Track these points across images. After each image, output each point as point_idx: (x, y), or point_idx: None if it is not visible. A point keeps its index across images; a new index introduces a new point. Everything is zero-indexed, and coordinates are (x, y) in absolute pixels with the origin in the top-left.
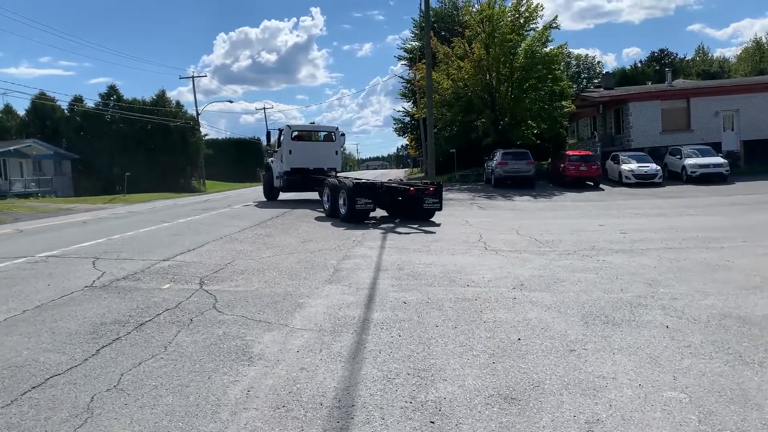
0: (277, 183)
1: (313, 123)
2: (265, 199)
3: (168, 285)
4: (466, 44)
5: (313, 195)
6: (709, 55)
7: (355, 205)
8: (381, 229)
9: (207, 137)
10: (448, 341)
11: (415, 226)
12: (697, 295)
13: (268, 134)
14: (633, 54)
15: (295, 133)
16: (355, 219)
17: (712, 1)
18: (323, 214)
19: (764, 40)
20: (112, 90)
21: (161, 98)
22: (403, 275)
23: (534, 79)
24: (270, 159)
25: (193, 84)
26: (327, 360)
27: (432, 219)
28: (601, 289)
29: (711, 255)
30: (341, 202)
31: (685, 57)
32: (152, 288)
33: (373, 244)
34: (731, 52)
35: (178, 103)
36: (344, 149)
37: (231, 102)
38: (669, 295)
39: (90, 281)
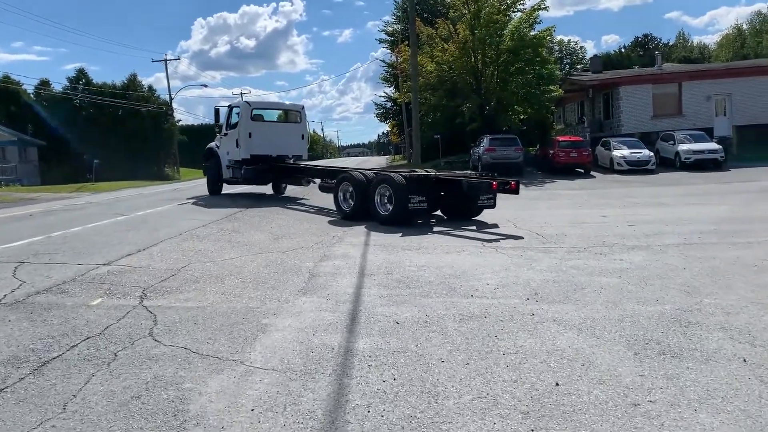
0: (228, 174)
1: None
2: (209, 194)
3: (99, 300)
4: (451, 25)
5: (260, 188)
6: (690, 41)
7: (408, 204)
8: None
9: (181, 123)
10: (461, 388)
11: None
12: (752, 307)
13: (217, 112)
14: (612, 41)
15: (256, 112)
16: (406, 221)
17: None
18: (308, 212)
19: (745, 26)
20: (81, 74)
21: (132, 82)
22: (393, 282)
23: (521, 62)
24: (215, 144)
25: (166, 68)
26: (293, 426)
27: (478, 218)
28: (632, 299)
29: (741, 253)
30: (378, 200)
31: (668, 42)
32: (78, 304)
33: (356, 241)
34: (710, 39)
35: (150, 87)
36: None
37: (206, 86)
38: (720, 309)
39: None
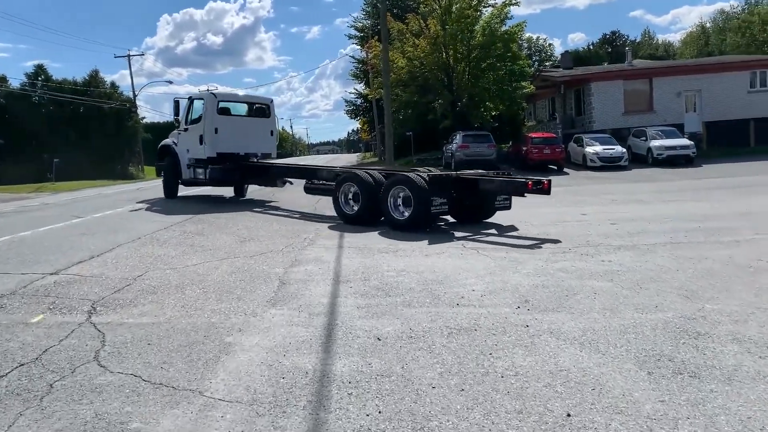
0: (188, 174)
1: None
2: (164, 197)
3: (40, 317)
4: (421, 20)
5: (219, 190)
6: (655, 39)
7: (430, 207)
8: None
9: (146, 121)
10: (458, 423)
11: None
12: (760, 314)
13: (176, 104)
14: (578, 39)
15: (222, 105)
16: (425, 225)
17: None
18: (277, 213)
19: (709, 25)
20: (40, 70)
21: (94, 79)
22: (371, 289)
23: (492, 57)
24: (171, 140)
25: (129, 64)
26: None
27: (490, 219)
28: (629, 305)
29: (732, 252)
30: (392, 203)
31: (635, 40)
32: (14, 323)
33: (329, 243)
34: (674, 37)
35: (113, 83)
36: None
37: (171, 83)
38: (725, 316)
39: None
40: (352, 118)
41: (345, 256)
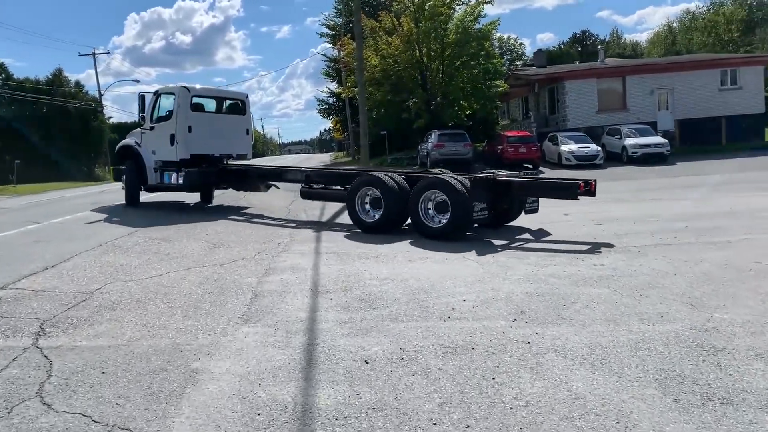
0: (154, 179)
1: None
2: (125, 204)
3: None
4: (394, 18)
5: (180, 195)
6: (623, 38)
7: (472, 213)
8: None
9: (112, 121)
10: None
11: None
12: None
13: (142, 99)
14: (547, 39)
15: (196, 100)
16: (463, 232)
17: None
18: (249, 216)
19: (675, 25)
20: (1, 68)
21: (58, 77)
22: (353, 301)
23: (466, 56)
24: (133, 140)
25: (95, 62)
26: None
27: (513, 222)
28: (633, 315)
29: (727, 254)
30: (423, 208)
31: (605, 39)
32: None
33: (304, 249)
34: (640, 37)
35: (77, 82)
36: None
37: (138, 82)
38: (739, 327)
39: None
40: (324, 118)
41: (323, 263)
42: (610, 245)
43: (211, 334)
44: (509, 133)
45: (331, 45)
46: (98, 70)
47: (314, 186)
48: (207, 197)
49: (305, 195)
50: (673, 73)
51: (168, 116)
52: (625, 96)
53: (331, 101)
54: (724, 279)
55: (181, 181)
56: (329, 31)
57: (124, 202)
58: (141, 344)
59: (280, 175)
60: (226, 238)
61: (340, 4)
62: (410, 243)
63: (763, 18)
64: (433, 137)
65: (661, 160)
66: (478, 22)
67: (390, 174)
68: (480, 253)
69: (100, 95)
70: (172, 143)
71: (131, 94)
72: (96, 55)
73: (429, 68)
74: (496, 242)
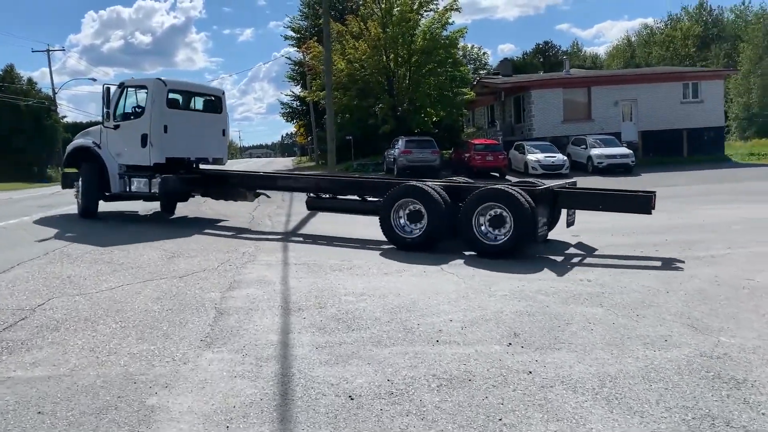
0: (118, 186)
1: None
2: (79, 215)
3: None
4: (361, 23)
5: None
6: (583, 50)
7: (537, 228)
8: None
9: (66, 120)
10: None
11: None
12: None
13: (107, 92)
14: (508, 50)
15: (172, 96)
16: (522, 249)
17: (579, 2)
18: (211, 221)
19: (633, 38)
20: None
21: (9, 74)
22: (329, 320)
23: (433, 63)
24: (89, 140)
25: (49, 59)
26: None
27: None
28: (634, 338)
29: (715, 270)
30: (476, 223)
31: (567, 51)
32: None
33: (271, 259)
34: (599, 50)
35: (30, 80)
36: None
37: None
38: (751, 353)
39: None
40: (288, 121)
41: (292, 276)
42: (592, 258)
43: (170, 360)
44: (476, 141)
45: (296, 48)
46: (53, 68)
47: (322, 195)
48: (171, 207)
49: (313, 206)
50: (637, 84)
51: (138, 113)
52: (590, 106)
53: (295, 105)
54: (719, 297)
55: (155, 189)
56: (294, 34)
57: (77, 210)
58: (87, 374)
59: (275, 181)
60: (186, 246)
61: (305, 7)
62: (381, 254)
63: (718, 34)
64: (400, 143)
65: (627, 171)
66: (446, 29)
67: (429, 183)
68: (459, 266)
69: (54, 93)
70: (143, 145)
71: (88, 93)
72: (51, 52)
73: (396, 74)
74: (473, 253)
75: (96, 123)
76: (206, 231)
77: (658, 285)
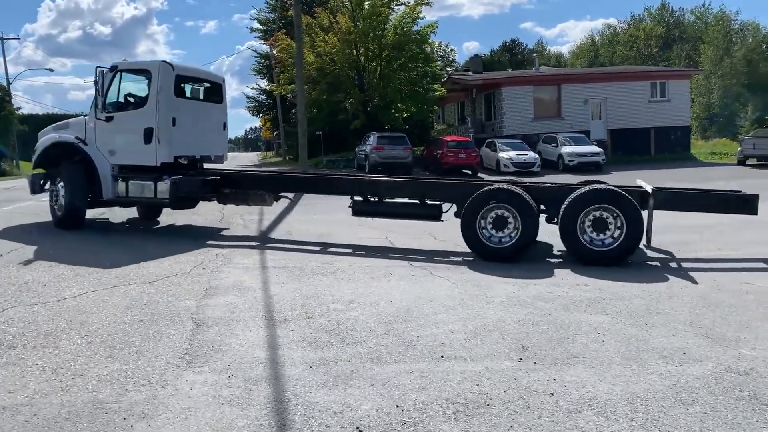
0: (113, 191)
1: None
2: (57, 224)
3: None
4: (331, 15)
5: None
6: (547, 49)
7: (642, 230)
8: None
9: (21, 111)
10: None
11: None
12: None
13: (101, 76)
14: (473, 48)
15: (182, 83)
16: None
17: (542, 2)
18: (180, 218)
19: (597, 38)
20: None
21: None
22: (319, 332)
23: (404, 58)
24: (71, 135)
25: (2, 49)
26: None
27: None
28: (652, 352)
29: (713, 274)
30: (580, 227)
31: (533, 49)
32: None
33: (248, 262)
34: (563, 49)
35: None
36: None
37: (51, 71)
38: None
39: None
40: (254, 115)
41: (273, 281)
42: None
43: (146, 384)
44: (449, 138)
45: (262, 41)
46: (8, 57)
47: (370, 200)
48: (156, 213)
49: (360, 212)
50: (606, 83)
51: (139, 103)
52: (560, 104)
53: (261, 99)
54: (725, 304)
55: (163, 194)
56: (260, 27)
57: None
58: (50, 403)
59: (314, 184)
60: (156, 246)
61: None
62: (364, 256)
63: (680, 35)
64: (372, 140)
65: (597, 169)
66: (417, 24)
67: (513, 186)
68: (447, 268)
69: (9, 83)
70: (148, 141)
71: (45, 84)
72: (5, 41)
73: (366, 69)
74: (459, 253)
75: (58, 115)
76: (175, 230)
77: (659, 289)
